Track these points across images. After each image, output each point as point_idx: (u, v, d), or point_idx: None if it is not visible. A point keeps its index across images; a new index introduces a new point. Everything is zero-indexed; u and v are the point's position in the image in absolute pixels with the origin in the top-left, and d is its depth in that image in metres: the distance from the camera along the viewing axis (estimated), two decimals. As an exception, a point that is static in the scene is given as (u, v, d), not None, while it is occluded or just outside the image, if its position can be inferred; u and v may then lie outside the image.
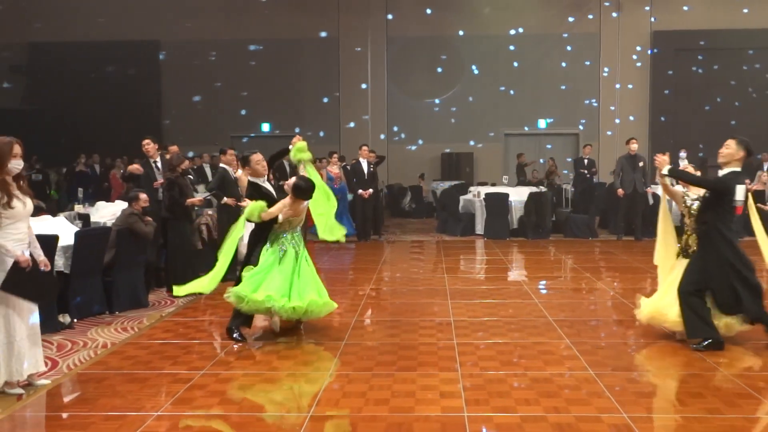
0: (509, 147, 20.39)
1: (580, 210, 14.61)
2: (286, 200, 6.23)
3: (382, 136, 20.09)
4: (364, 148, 13.76)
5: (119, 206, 9.03)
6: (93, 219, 9.22)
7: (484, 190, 14.79)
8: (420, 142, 20.23)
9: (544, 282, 9.40)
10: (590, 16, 19.82)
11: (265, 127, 20.32)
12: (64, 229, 7.29)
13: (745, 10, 18.95)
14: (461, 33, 19.94)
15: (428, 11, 19.79)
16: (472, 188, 15.87)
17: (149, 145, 9.27)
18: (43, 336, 5.24)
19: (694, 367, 5.34)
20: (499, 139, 20.41)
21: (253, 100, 19.94)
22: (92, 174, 17.84)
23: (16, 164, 4.78)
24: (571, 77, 19.89)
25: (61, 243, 6.59)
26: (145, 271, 8.04)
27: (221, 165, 9.70)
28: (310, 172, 6.57)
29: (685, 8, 19.32)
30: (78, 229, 7.78)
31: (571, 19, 19.78)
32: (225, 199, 9.20)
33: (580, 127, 20.15)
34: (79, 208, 10.01)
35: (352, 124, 20.04)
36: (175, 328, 6.80)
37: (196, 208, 9.30)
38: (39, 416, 4.66)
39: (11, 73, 20.17)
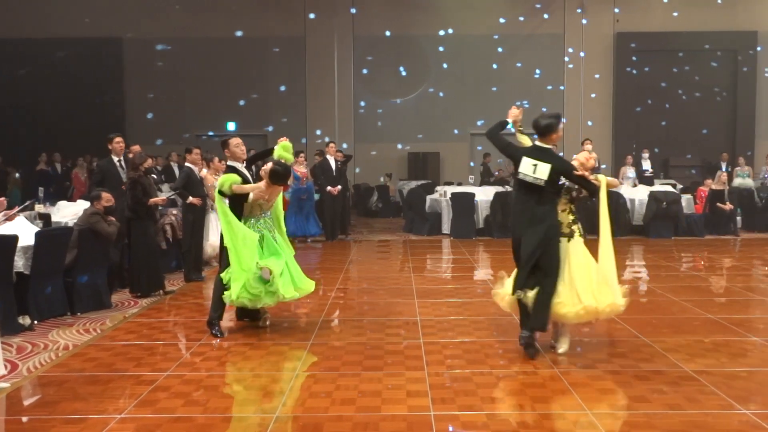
0: (475, 147, 20.50)
1: (545, 209, 14.70)
2: (261, 184, 6.32)
3: (348, 136, 20.07)
4: (332, 145, 13.73)
5: (81, 206, 8.88)
6: (54, 219, 9.06)
7: (451, 189, 14.85)
8: (386, 141, 20.22)
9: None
10: (546, 16, 20.08)
11: (231, 126, 20.13)
12: (24, 229, 7.13)
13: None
14: (428, 32, 20.00)
15: (396, 10, 19.83)
16: (438, 188, 15.93)
17: (122, 143, 9.04)
18: (3, 338, 5.15)
19: (657, 364, 5.42)
20: (465, 139, 20.52)
21: (218, 99, 19.72)
22: (53, 173, 17.54)
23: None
24: (537, 77, 20.08)
25: (21, 243, 6.49)
26: (109, 271, 7.93)
27: (186, 164, 9.57)
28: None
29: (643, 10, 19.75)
30: (39, 229, 7.64)
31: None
32: (190, 198, 9.11)
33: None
34: (39, 207, 9.83)
35: (318, 123, 19.96)
36: (138, 329, 6.71)
37: (159, 208, 9.18)
38: (-2, 420, 4.56)
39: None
